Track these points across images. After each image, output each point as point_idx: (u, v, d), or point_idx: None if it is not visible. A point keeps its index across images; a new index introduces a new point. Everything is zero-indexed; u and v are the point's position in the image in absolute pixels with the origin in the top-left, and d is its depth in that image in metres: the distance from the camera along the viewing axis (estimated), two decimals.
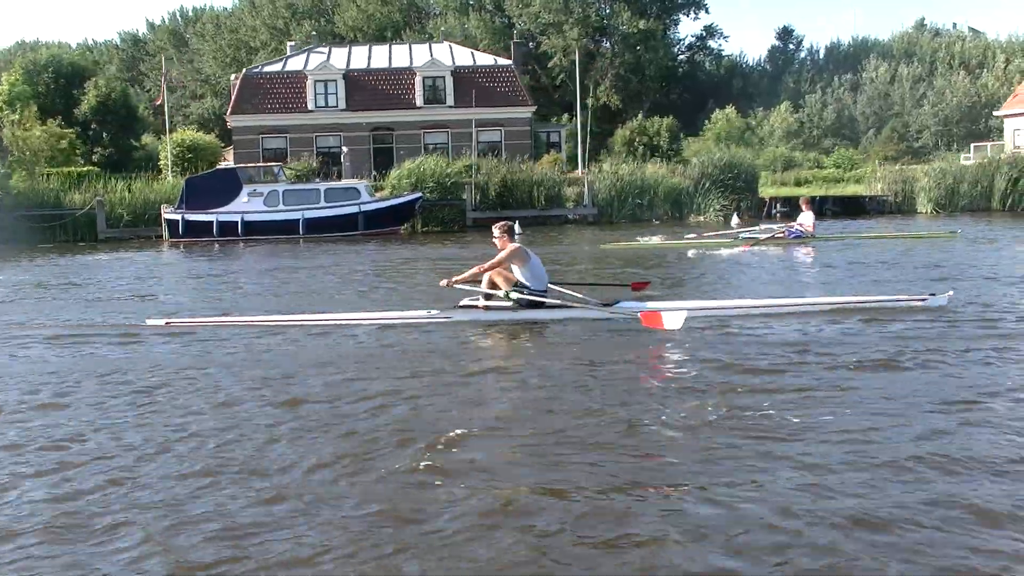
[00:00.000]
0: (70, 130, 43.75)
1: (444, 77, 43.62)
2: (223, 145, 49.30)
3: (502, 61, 45.42)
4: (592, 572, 4.04)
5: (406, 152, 42.20)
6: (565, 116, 67.80)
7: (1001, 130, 55.43)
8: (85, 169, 40.53)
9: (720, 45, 77.45)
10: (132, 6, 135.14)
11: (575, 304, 10.34)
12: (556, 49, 68.15)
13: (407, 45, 49.03)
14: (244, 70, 45.63)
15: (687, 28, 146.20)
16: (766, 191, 37.68)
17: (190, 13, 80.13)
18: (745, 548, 4.22)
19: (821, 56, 76.61)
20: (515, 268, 10.32)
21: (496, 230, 10.59)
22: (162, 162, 41.74)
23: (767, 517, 4.54)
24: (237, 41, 73.86)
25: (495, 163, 34.74)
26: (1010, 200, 35.11)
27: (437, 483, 5.16)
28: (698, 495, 4.85)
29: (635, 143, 64.58)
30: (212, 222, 30.10)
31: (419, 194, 31.94)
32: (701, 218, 34.04)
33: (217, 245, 29.00)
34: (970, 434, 5.81)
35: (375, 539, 4.43)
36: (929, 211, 35.07)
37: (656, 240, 22.78)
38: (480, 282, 10.43)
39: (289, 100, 42.64)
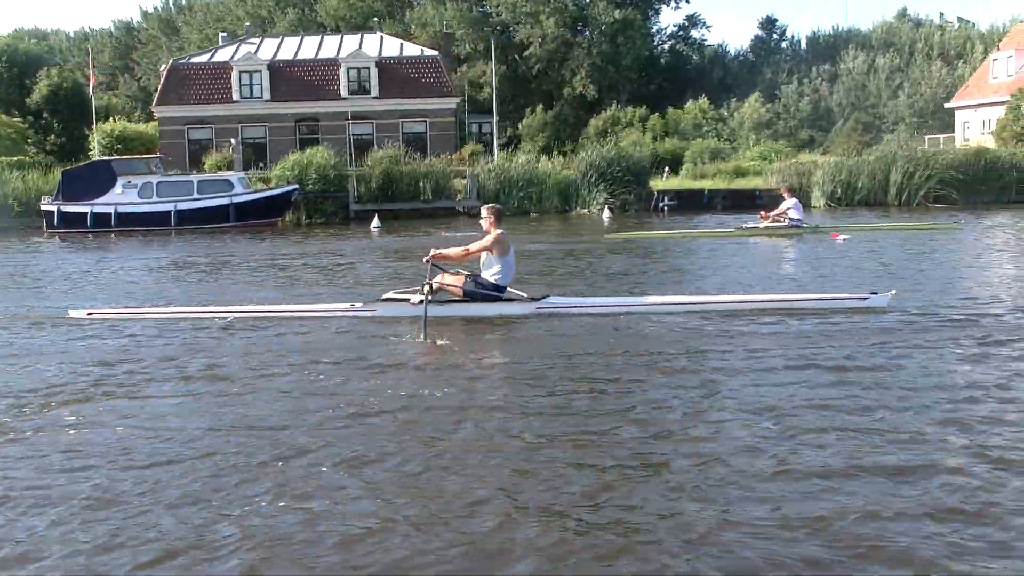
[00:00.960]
0: (19, 119, 44.99)
1: (368, 68, 44.03)
2: None
3: (428, 52, 45.67)
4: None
5: (330, 143, 42.81)
6: (540, 107, 68.21)
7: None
8: (22, 159, 41.70)
9: (703, 35, 76.56)
10: None
11: (501, 299, 10.00)
12: (533, 39, 68.28)
13: (339, 36, 49.49)
14: (171, 61, 46.39)
15: (669, 18, 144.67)
16: (657, 183, 37.54)
17: (183, 1, 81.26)
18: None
19: (803, 47, 75.61)
20: (491, 257, 9.95)
21: (484, 211, 10.21)
22: (92, 152, 42.73)
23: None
24: (222, 29, 74.88)
25: (381, 155, 35.10)
26: (905, 194, 34.75)
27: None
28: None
29: (608, 133, 65.01)
30: (87, 213, 30.91)
31: (294, 186, 32.45)
32: (584, 211, 34.20)
33: (91, 236, 29.77)
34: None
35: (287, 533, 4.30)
36: (822, 205, 34.80)
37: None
38: (463, 261, 10.36)
39: (214, 91, 43.40)
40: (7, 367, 8.16)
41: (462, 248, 10.19)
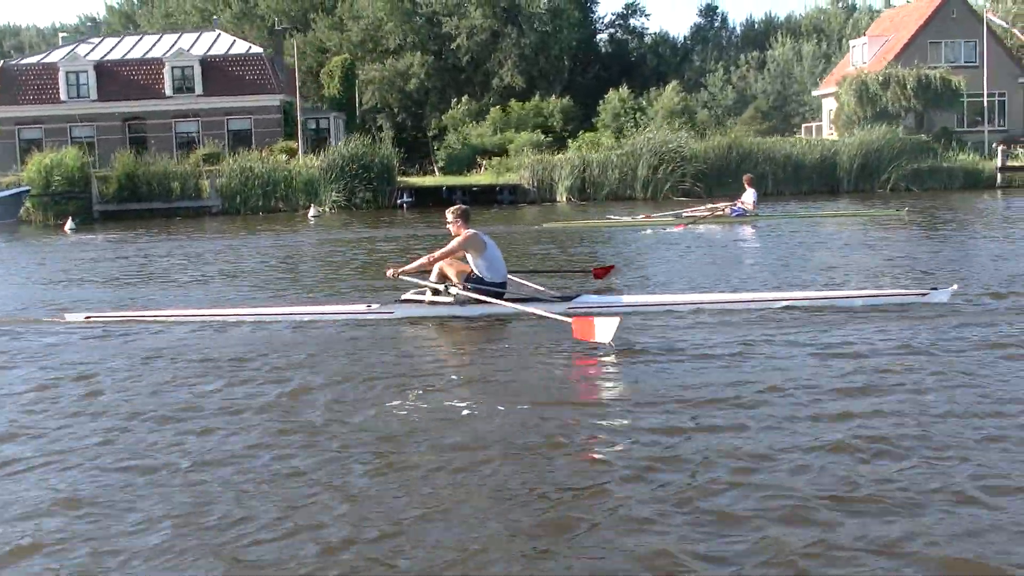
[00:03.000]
0: None
1: (192, 67, 44.74)
2: None
3: (254, 50, 46.14)
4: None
5: (156, 143, 43.81)
6: (465, 97, 68.38)
7: None
8: None
9: (643, 23, 75.17)
10: None
11: (531, 299, 9.64)
12: (461, 29, 68.48)
13: (177, 35, 50.31)
14: (2, 62, 47.92)
15: (609, 6, 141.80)
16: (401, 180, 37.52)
17: None
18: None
19: (738, 33, 73.82)
20: (470, 257, 9.49)
21: (449, 215, 9.71)
22: None
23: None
24: (171, 25, 76.86)
25: (127, 156, 35.84)
26: (651, 188, 34.14)
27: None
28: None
29: (529, 124, 64.96)
30: None
31: (24, 188, 33.41)
32: (322, 208, 34.37)
33: None
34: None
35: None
36: (565, 200, 34.41)
37: (607, 220, 23.84)
38: (429, 273, 9.69)
39: (43, 91, 44.69)
40: None
41: (425, 257, 9.68)
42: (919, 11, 46.98)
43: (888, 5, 71.09)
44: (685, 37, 74.35)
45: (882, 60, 45.83)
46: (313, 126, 47.71)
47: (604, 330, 7.61)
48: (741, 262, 15.03)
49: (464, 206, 9.91)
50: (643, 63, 71.77)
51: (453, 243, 9.40)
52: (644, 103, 63.98)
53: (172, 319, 10.04)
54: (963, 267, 12.85)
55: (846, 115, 41.39)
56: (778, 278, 12.23)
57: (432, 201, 34.36)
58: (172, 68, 44.83)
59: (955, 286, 9.55)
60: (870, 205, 27.70)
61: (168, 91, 44.83)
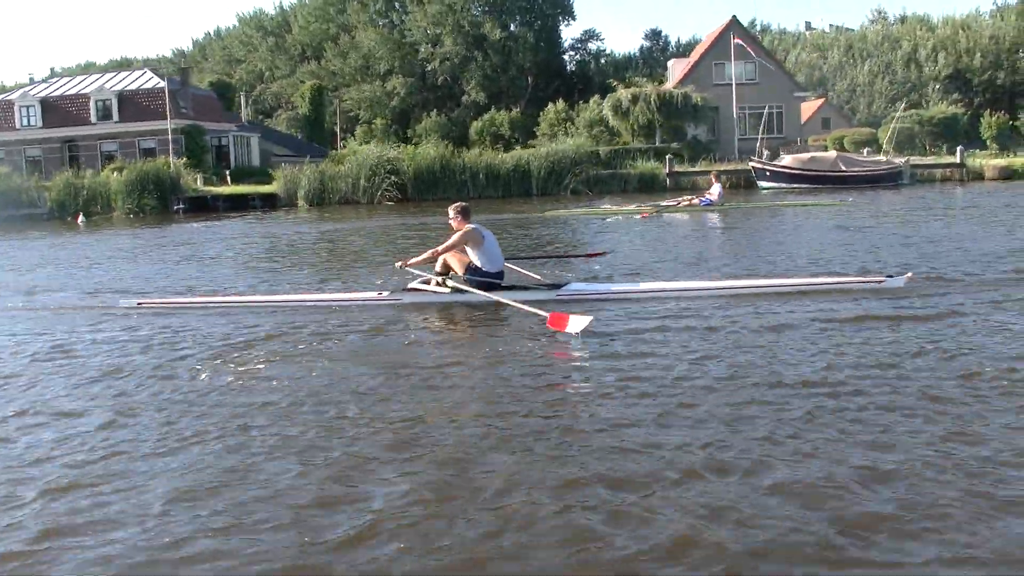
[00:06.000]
0: None
1: (111, 100, 56.13)
2: None
3: (160, 84, 56.76)
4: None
5: (86, 160, 55.33)
6: (434, 112, 78.36)
7: None
8: None
9: (600, 46, 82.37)
10: None
11: (521, 287, 10.35)
12: (436, 55, 78.69)
13: (102, 74, 61.82)
14: None
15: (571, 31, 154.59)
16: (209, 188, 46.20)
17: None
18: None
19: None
20: (469, 250, 10.17)
21: (451, 211, 10.41)
22: None
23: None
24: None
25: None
26: (368, 194, 41.57)
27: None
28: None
29: (484, 133, 74.52)
30: None
31: None
32: (121, 215, 43.77)
33: None
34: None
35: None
36: (305, 207, 42.39)
37: (578, 210, 27.82)
38: (435, 264, 10.37)
39: (3, 121, 57.26)
40: None
41: (429, 251, 10.38)
42: (711, 37, 52.80)
43: (809, 29, 75.29)
44: (630, 56, 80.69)
45: (681, 79, 51.92)
46: (216, 143, 58.11)
47: (576, 325, 7.97)
48: (708, 251, 16.07)
49: (464, 204, 10.58)
50: (594, 80, 78.64)
51: (454, 237, 10.15)
52: (574, 114, 71.08)
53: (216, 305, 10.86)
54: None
55: (608, 127, 48.12)
56: (742, 266, 12.98)
57: (200, 207, 43.21)
58: (96, 100, 56.32)
59: (910, 274, 10.09)
60: (619, 204, 30.06)
61: (94, 119, 56.34)
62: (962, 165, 40.10)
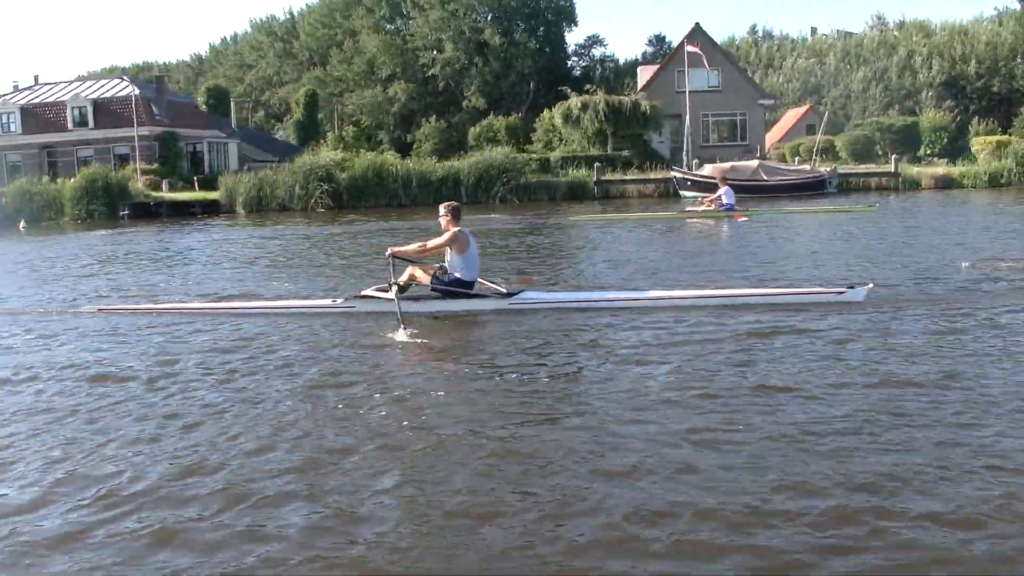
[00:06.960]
0: None
1: (87, 107, 56.91)
2: None
3: (136, 92, 57.45)
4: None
5: (63, 166, 56.27)
6: (434, 117, 78.41)
7: None
8: None
9: (604, 51, 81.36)
10: None
11: (474, 295, 10.08)
12: (437, 61, 78.71)
13: (80, 82, 62.58)
14: None
15: (575, 37, 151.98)
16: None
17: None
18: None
19: None
20: (451, 253, 10.03)
21: (442, 209, 10.26)
22: None
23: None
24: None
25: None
26: (303, 201, 41.33)
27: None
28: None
29: (481, 138, 74.51)
30: None
31: None
32: (70, 221, 44.34)
33: None
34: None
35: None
36: (244, 213, 42.39)
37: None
38: (421, 258, 10.32)
39: None
40: None
41: (419, 244, 10.23)
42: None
43: (814, 34, 73.33)
44: (634, 61, 79.71)
45: (644, 86, 50.96)
46: (191, 150, 58.66)
47: None
48: (673, 259, 16.12)
49: (455, 204, 10.42)
50: (595, 83, 77.83)
51: (444, 236, 10.01)
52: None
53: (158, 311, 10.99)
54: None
55: (559, 134, 47.36)
56: (704, 276, 12.76)
57: (144, 213, 43.49)
58: (72, 108, 57.15)
59: (871, 284, 9.94)
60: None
61: (70, 125, 57.19)
62: (897, 174, 38.69)
